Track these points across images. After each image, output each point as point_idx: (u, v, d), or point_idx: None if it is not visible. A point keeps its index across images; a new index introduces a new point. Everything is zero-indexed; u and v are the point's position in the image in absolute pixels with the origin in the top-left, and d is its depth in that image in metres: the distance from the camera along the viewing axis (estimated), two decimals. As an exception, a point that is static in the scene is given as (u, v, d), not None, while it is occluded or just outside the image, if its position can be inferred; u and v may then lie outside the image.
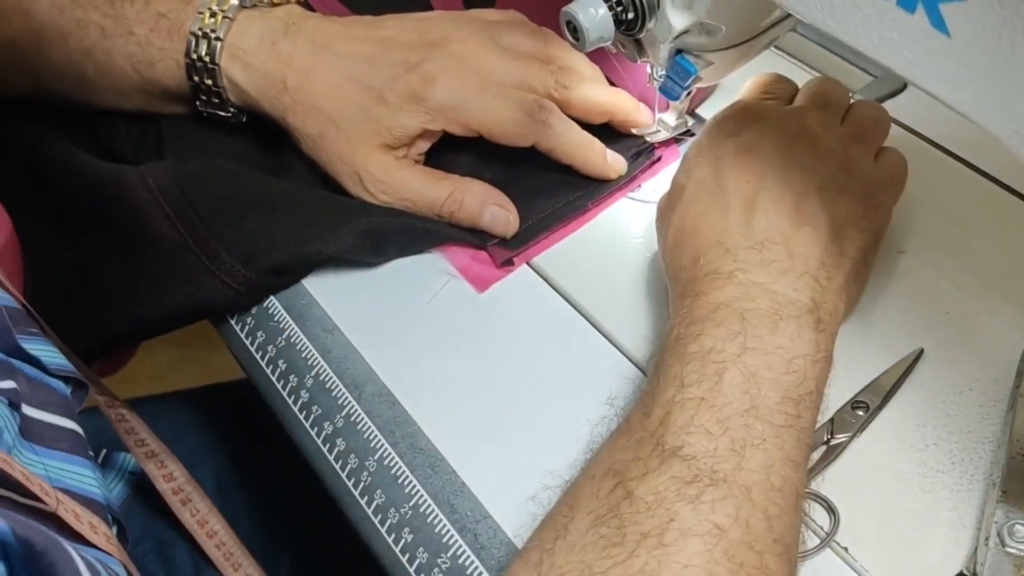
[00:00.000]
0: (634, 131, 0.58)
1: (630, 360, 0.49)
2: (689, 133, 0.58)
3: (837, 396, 0.45)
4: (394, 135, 0.53)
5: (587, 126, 0.56)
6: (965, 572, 0.40)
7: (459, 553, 0.43)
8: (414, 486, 0.46)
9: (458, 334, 0.51)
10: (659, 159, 0.57)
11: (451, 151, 0.56)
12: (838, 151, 0.46)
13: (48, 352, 0.47)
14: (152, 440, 0.55)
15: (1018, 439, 0.42)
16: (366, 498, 0.46)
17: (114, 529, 0.42)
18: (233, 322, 0.55)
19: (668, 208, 0.47)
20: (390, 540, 0.45)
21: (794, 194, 0.44)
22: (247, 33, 0.55)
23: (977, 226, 0.52)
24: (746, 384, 0.39)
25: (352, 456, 0.47)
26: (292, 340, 0.52)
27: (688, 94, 0.53)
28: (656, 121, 0.58)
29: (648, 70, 0.53)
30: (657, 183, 0.57)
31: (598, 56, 0.56)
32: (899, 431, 0.44)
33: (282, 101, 0.55)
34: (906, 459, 0.43)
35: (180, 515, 0.56)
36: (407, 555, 0.44)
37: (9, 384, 0.41)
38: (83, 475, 0.43)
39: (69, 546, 0.33)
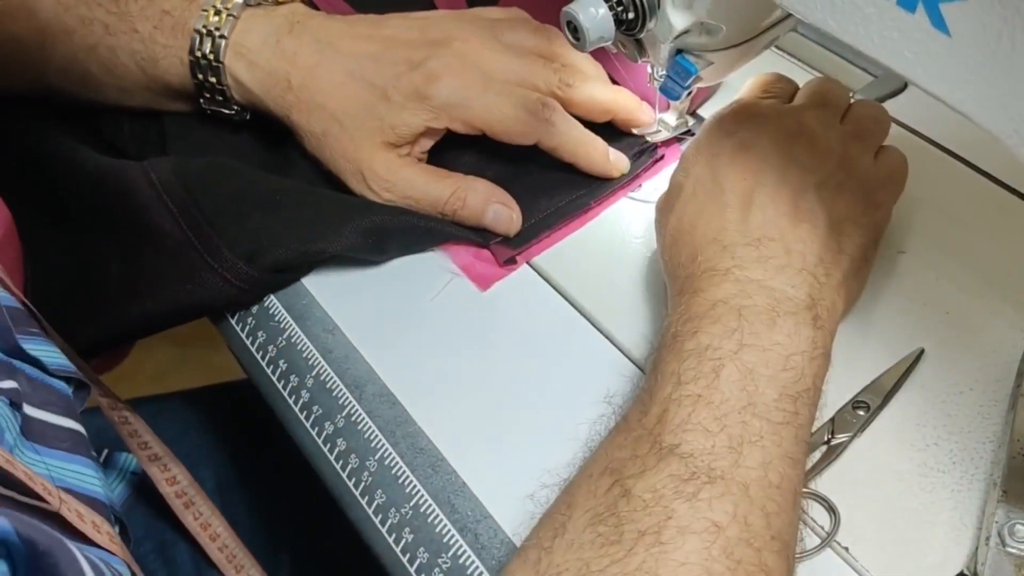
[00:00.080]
0: (635, 131, 0.58)
1: (630, 359, 0.49)
2: (690, 133, 0.58)
3: (838, 396, 0.45)
4: (397, 133, 0.53)
5: (589, 125, 0.56)
6: (966, 572, 0.40)
7: (460, 553, 0.43)
8: (415, 486, 0.46)
9: (460, 333, 0.51)
10: (662, 158, 0.58)
11: (454, 149, 0.56)
12: (837, 149, 0.46)
13: (49, 352, 0.47)
14: (155, 443, 0.55)
15: (1019, 439, 0.42)
16: (367, 498, 0.46)
17: (116, 528, 0.42)
18: (234, 322, 0.55)
19: (666, 207, 0.48)
20: (391, 540, 0.45)
21: (792, 191, 0.44)
22: (251, 31, 0.55)
23: (977, 226, 0.52)
24: (743, 381, 0.39)
25: (353, 456, 0.48)
26: (293, 340, 0.52)
27: (689, 94, 0.53)
28: (657, 121, 0.58)
29: (649, 70, 0.53)
30: (658, 183, 0.57)
31: (599, 56, 0.56)
32: (900, 431, 0.44)
33: (286, 99, 0.55)
34: (907, 459, 0.43)
35: (183, 518, 0.56)
36: (408, 555, 0.44)
37: (10, 384, 0.41)
38: (86, 474, 0.43)
39: (73, 546, 0.33)
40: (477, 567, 0.42)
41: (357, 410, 0.49)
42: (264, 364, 0.53)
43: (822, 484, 0.43)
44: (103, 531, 0.39)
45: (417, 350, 0.51)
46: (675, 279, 0.45)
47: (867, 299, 0.49)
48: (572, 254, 0.54)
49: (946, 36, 0.33)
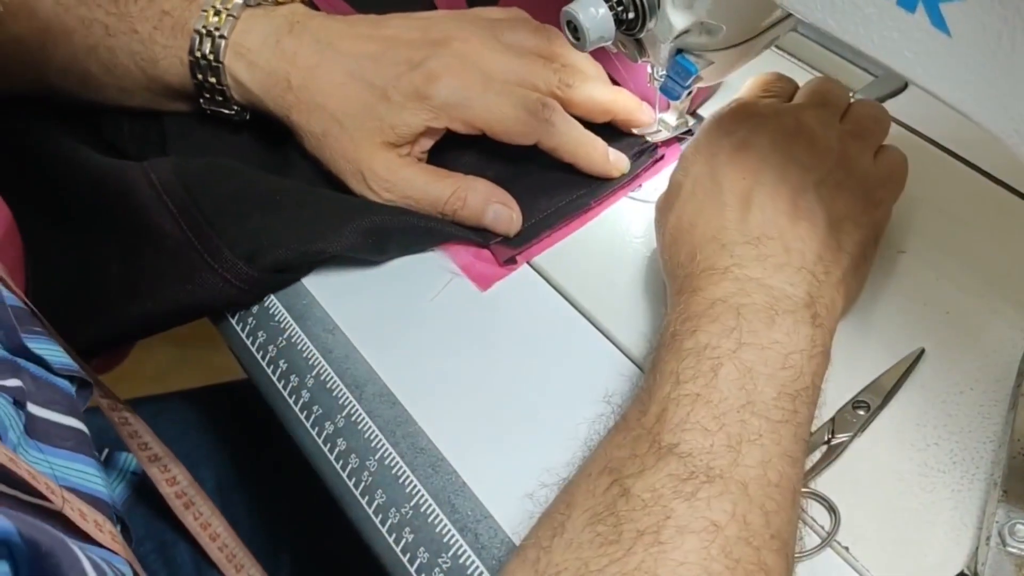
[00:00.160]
0: (635, 131, 0.58)
1: (630, 359, 0.49)
2: (690, 133, 0.58)
3: (838, 396, 0.45)
4: (397, 133, 0.53)
5: (589, 125, 0.56)
6: (966, 572, 0.40)
7: (460, 553, 0.43)
8: (415, 486, 0.46)
9: (460, 333, 0.51)
10: (662, 158, 0.58)
11: (454, 149, 0.56)
12: (836, 148, 0.46)
13: (53, 351, 0.47)
14: (155, 443, 0.55)
15: (1019, 438, 0.42)
16: (367, 498, 0.46)
17: (118, 528, 0.42)
18: (234, 322, 0.55)
19: (666, 206, 0.48)
20: (391, 540, 0.45)
21: (791, 190, 0.44)
22: (251, 31, 0.55)
23: (978, 225, 0.52)
24: (742, 380, 0.39)
25: (353, 456, 0.48)
26: (293, 340, 0.52)
27: (689, 94, 0.53)
28: (657, 121, 0.58)
29: (649, 70, 0.53)
30: (658, 183, 0.57)
31: (599, 56, 0.56)
32: (900, 431, 0.44)
33: (286, 99, 0.55)
34: (907, 459, 0.43)
35: (183, 518, 0.56)
36: (408, 555, 0.44)
37: (14, 382, 0.41)
38: (88, 473, 0.43)
39: (75, 546, 0.33)
40: (477, 567, 0.42)
41: (357, 410, 0.49)
42: (264, 364, 0.53)
43: (822, 484, 0.43)
44: (105, 530, 0.39)
45: (417, 350, 0.51)
46: (674, 278, 0.45)
47: (867, 299, 0.49)
48: (572, 254, 0.54)
49: (946, 36, 0.33)
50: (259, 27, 0.55)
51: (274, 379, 0.52)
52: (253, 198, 0.53)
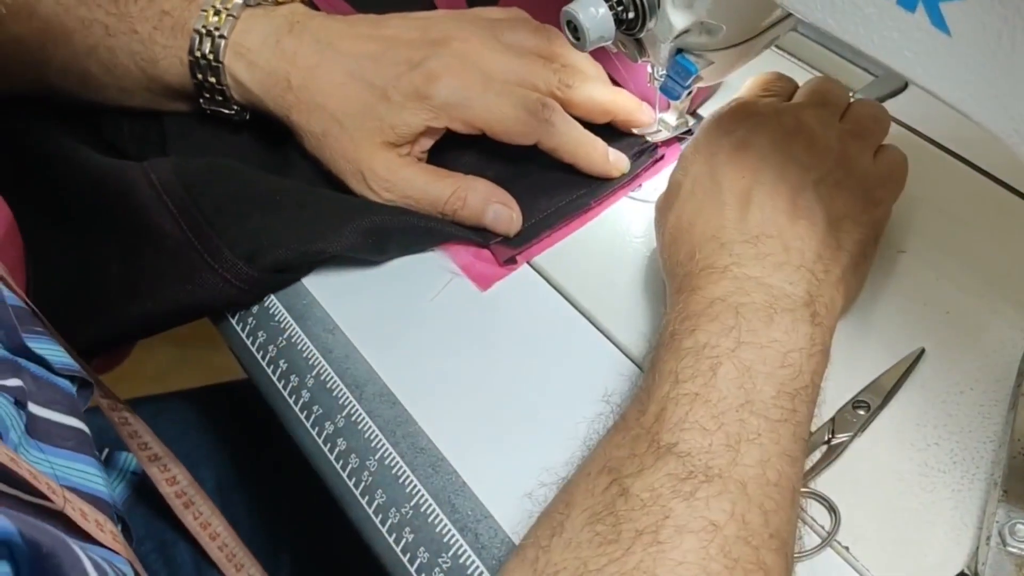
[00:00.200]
0: (635, 131, 0.58)
1: (630, 359, 0.49)
2: (690, 132, 0.58)
3: (838, 396, 0.45)
4: (397, 133, 0.53)
5: (589, 125, 0.56)
6: (966, 571, 0.40)
7: (460, 553, 0.43)
8: (415, 486, 0.46)
9: (460, 333, 0.51)
10: (662, 157, 0.58)
11: (454, 149, 0.56)
12: (835, 147, 0.46)
13: (54, 351, 0.47)
14: (155, 443, 0.55)
15: (1019, 438, 0.42)
16: (367, 498, 0.46)
17: (119, 528, 0.42)
18: (234, 322, 0.55)
19: (665, 206, 0.48)
20: (391, 540, 0.45)
21: (790, 188, 0.44)
22: (251, 31, 0.55)
23: (978, 225, 0.52)
24: (740, 379, 0.39)
25: (353, 456, 0.48)
26: (293, 340, 0.52)
27: (689, 93, 0.53)
28: (657, 121, 0.58)
29: (649, 70, 0.53)
30: (658, 183, 0.57)
31: (599, 56, 0.56)
32: (900, 431, 0.44)
33: (286, 99, 0.55)
34: (907, 458, 0.43)
35: (183, 518, 0.56)
36: (408, 555, 0.44)
37: (15, 382, 0.41)
38: (89, 473, 0.43)
39: (76, 546, 0.33)
40: (477, 567, 0.42)
41: (357, 410, 0.49)
42: (264, 364, 0.53)
43: (822, 484, 0.43)
44: (106, 530, 0.39)
45: (417, 350, 0.51)
46: (673, 277, 0.45)
47: (867, 299, 0.49)
48: (572, 254, 0.54)
49: (946, 36, 0.33)
50: (259, 27, 0.55)
51: (274, 379, 0.52)
52: (253, 198, 0.53)
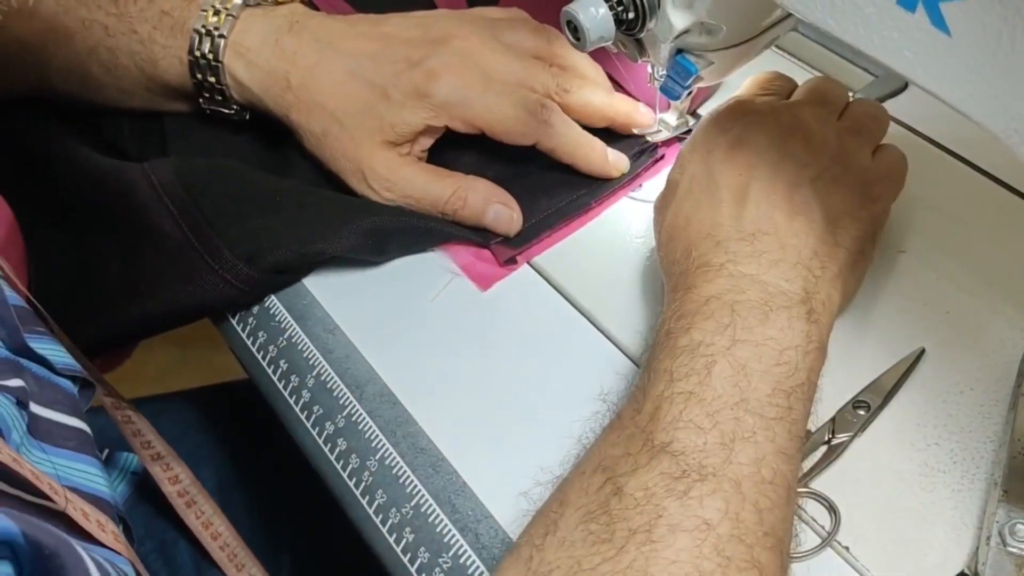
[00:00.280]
0: (635, 131, 0.58)
1: (630, 359, 0.49)
2: (690, 132, 0.58)
3: (838, 396, 0.45)
4: (397, 131, 0.53)
5: (588, 126, 0.56)
6: (967, 571, 0.40)
7: (460, 553, 0.43)
8: (415, 486, 0.46)
9: (461, 333, 0.51)
10: (662, 157, 0.58)
11: (454, 149, 0.56)
12: (833, 143, 0.46)
13: (56, 351, 0.47)
14: (158, 442, 0.56)
15: (1019, 438, 0.42)
16: (367, 498, 0.46)
17: (120, 528, 0.42)
18: (235, 322, 0.55)
19: (663, 204, 0.48)
20: (391, 540, 0.45)
21: (787, 185, 0.44)
22: (251, 31, 0.55)
23: (978, 225, 0.52)
24: (736, 377, 0.39)
25: (353, 456, 0.48)
26: (293, 340, 0.52)
27: (689, 94, 0.53)
28: (657, 121, 0.58)
29: (649, 70, 0.53)
30: (658, 183, 0.57)
31: (599, 56, 0.56)
32: (900, 431, 0.44)
33: (285, 99, 0.55)
34: (907, 458, 0.43)
35: (185, 517, 0.56)
36: (408, 555, 0.44)
37: (17, 383, 0.41)
38: (91, 473, 0.43)
39: (79, 546, 0.33)
40: (478, 567, 0.43)
41: (358, 410, 0.49)
42: (265, 364, 0.53)
43: (822, 484, 0.43)
44: (108, 530, 0.39)
45: (418, 350, 0.51)
46: (670, 276, 0.45)
47: (867, 299, 0.49)
48: (572, 254, 0.54)
49: (946, 36, 0.33)
50: (259, 26, 0.55)
51: (275, 379, 0.52)
52: (253, 199, 0.53)
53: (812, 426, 0.44)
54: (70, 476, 0.42)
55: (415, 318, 0.52)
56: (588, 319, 0.51)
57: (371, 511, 0.46)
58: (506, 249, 0.54)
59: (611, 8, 0.46)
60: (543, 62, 0.56)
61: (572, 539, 0.36)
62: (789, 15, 0.48)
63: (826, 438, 0.44)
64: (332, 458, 0.48)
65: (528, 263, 0.54)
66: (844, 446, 0.44)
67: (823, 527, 0.42)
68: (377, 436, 0.48)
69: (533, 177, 0.56)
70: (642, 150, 0.57)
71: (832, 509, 0.42)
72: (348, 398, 0.49)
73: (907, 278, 0.50)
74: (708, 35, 0.48)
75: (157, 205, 0.53)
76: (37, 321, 0.48)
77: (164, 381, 1.02)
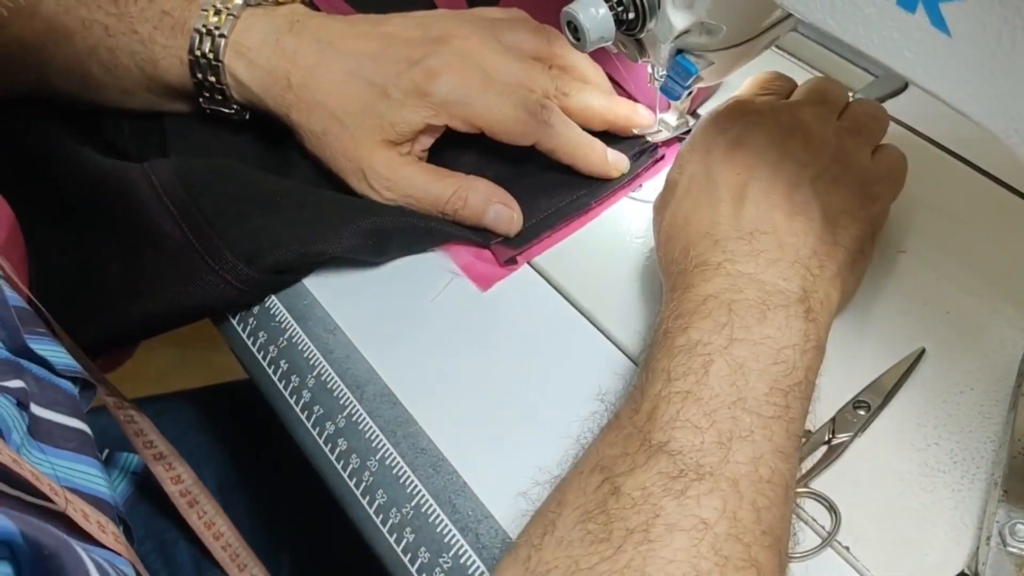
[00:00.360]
0: (635, 131, 0.58)
1: (630, 359, 0.49)
2: (690, 132, 0.58)
3: (838, 396, 0.45)
4: (397, 131, 0.53)
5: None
6: (967, 571, 0.40)
7: (461, 553, 0.43)
8: (416, 486, 0.46)
9: (461, 333, 0.51)
10: (662, 158, 0.58)
11: (454, 149, 0.56)
12: (832, 143, 0.46)
13: (56, 352, 0.47)
14: (160, 442, 0.56)
15: (1020, 438, 0.42)
16: (368, 498, 0.46)
17: (120, 528, 0.42)
18: (235, 322, 0.55)
19: (662, 204, 0.48)
20: (392, 540, 0.45)
21: (786, 184, 0.44)
22: (251, 30, 0.55)
23: (978, 225, 0.52)
24: (733, 376, 0.39)
25: (354, 456, 0.48)
26: (294, 340, 0.52)
27: (689, 94, 0.53)
28: (657, 121, 0.58)
29: (649, 70, 0.53)
30: (658, 183, 0.56)
31: (599, 56, 0.56)
32: (900, 431, 0.44)
33: (286, 98, 0.55)
34: (907, 458, 0.43)
35: (187, 517, 0.56)
36: (409, 555, 0.44)
37: (17, 384, 0.41)
38: (91, 474, 0.43)
39: (79, 547, 0.33)
40: (478, 567, 0.43)
41: (358, 410, 0.49)
42: (265, 364, 0.53)
43: (822, 484, 0.43)
44: (108, 531, 0.39)
45: (418, 350, 0.51)
46: (668, 275, 0.45)
47: (867, 299, 0.49)
48: (572, 254, 0.54)
49: (946, 36, 0.33)
50: (259, 26, 0.55)
51: (275, 379, 0.52)
52: (253, 199, 0.54)
53: (812, 426, 0.44)
54: (70, 477, 0.42)
55: (415, 318, 0.52)
56: (588, 319, 0.51)
57: (371, 511, 0.46)
58: (506, 249, 0.54)
59: (611, 8, 0.46)
60: (543, 63, 0.56)
61: (570, 539, 0.36)
62: (789, 15, 0.48)
63: (826, 438, 0.44)
64: (332, 458, 0.48)
65: (528, 263, 0.54)
66: (844, 446, 0.44)
67: (823, 527, 0.42)
68: (377, 436, 0.48)
69: (533, 177, 0.56)
70: (642, 150, 0.57)
71: (832, 509, 0.42)
72: (348, 398, 0.49)
73: (907, 278, 0.50)
74: (708, 35, 0.48)
75: (157, 205, 0.53)
76: (38, 322, 0.48)
77: (164, 381, 1.02)
